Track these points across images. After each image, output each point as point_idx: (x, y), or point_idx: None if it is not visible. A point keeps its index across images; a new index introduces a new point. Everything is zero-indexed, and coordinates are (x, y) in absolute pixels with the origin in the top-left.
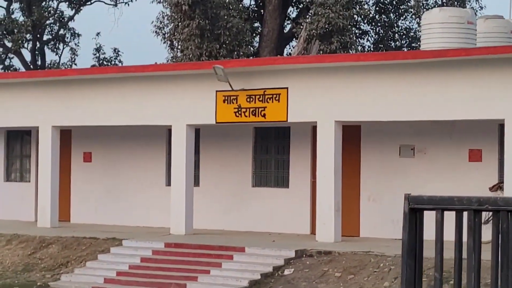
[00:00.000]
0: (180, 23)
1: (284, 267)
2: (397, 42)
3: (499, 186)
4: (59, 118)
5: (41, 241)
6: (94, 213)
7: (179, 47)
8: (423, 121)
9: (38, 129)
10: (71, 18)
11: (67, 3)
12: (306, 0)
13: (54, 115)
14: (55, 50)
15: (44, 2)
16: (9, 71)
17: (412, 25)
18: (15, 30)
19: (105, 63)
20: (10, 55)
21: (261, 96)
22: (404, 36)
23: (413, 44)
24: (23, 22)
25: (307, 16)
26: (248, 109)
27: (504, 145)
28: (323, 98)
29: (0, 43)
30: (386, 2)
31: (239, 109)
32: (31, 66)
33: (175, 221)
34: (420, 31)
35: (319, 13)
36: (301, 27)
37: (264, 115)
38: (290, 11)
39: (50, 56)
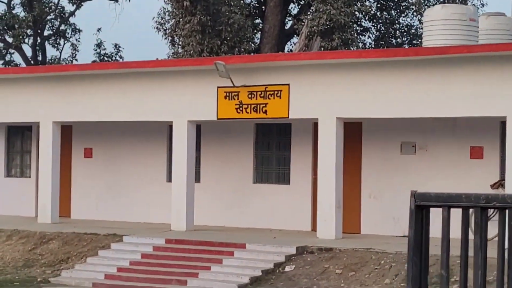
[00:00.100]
0: (181, 19)
1: (285, 263)
2: (398, 39)
3: (500, 184)
4: (60, 113)
5: (42, 237)
6: (94, 209)
7: (180, 43)
8: (425, 118)
9: (39, 124)
10: (72, 13)
11: None
12: None
13: (55, 111)
14: (56, 45)
15: None
16: (10, 67)
17: (413, 22)
18: (16, 26)
19: (106, 58)
20: (11, 51)
21: (263, 92)
22: (405, 33)
23: (414, 41)
24: (24, 18)
25: (309, 13)
26: (249, 106)
27: (505, 142)
28: (325, 94)
29: (1, 38)
30: None
31: (241, 105)
32: (32, 62)
33: (176, 217)
34: (422, 28)
35: (321, 9)
36: (302, 23)
37: (265, 112)
38: (291, 7)
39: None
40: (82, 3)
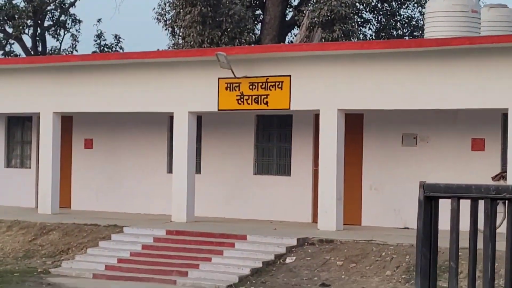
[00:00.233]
0: (182, 10)
1: (286, 255)
2: (399, 31)
3: (501, 176)
4: (60, 104)
5: (42, 228)
6: (95, 200)
7: (181, 34)
8: (426, 110)
9: (39, 115)
10: (72, 4)
11: None
12: None
13: (55, 101)
14: (56, 36)
15: None
16: (10, 57)
17: (414, 14)
18: (16, 16)
19: (106, 49)
20: (11, 41)
21: (264, 83)
22: (406, 25)
23: (415, 33)
24: (24, 8)
25: (309, 4)
26: (250, 97)
27: (507, 134)
28: (326, 86)
29: (1, 29)
30: None
31: (242, 96)
32: (32, 52)
33: (177, 209)
34: (422, 20)
35: (321, 1)
36: (303, 14)
37: (266, 103)
38: None
39: (51, 42)
40: None
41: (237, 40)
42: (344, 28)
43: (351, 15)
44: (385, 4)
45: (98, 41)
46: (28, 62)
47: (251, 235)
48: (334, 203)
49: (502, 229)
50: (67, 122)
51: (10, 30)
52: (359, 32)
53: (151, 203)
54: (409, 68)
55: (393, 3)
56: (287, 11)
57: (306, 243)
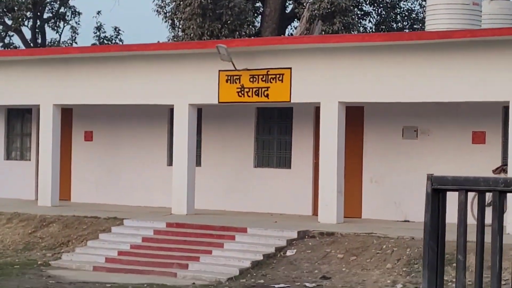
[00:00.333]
0: (182, 2)
1: (287, 248)
2: (399, 24)
3: (502, 169)
4: (60, 96)
5: (42, 220)
6: (94, 192)
7: (181, 26)
8: (427, 102)
9: (39, 107)
10: None
11: None
12: None
13: (55, 94)
14: (55, 28)
15: None
16: (9, 49)
17: (414, 7)
18: (16, 8)
19: (105, 42)
20: (10, 33)
21: (264, 76)
22: (406, 18)
23: (415, 26)
24: (23, 0)
25: None
26: (251, 89)
27: (508, 127)
28: (327, 78)
29: (1, 21)
30: None
31: (242, 89)
32: (31, 44)
33: (177, 201)
34: (422, 13)
35: None
36: (303, 7)
37: (267, 95)
38: None
39: (50, 34)
40: None
41: (237, 32)
42: (344, 21)
43: (351, 7)
44: None
45: (98, 33)
46: (28, 54)
47: (252, 228)
48: (335, 196)
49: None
50: (67, 114)
51: (9, 22)
52: (359, 25)
53: (151, 196)
54: (410, 60)
55: None
56: (287, 4)
57: (306, 236)
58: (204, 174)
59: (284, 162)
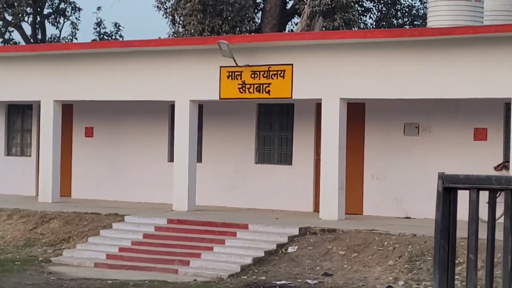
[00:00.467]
0: None
1: (288, 244)
2: (400, 20)
3: (504, 165)
4: (61, 92)
5: (43, 216)
6: (95, 188)
7: (181, 22)
8: (428, 99)
9: (40, 103)
10: None
11: None
12: None
13: (56, 89)
14: (55, 24)
15: None
16: (9, 45)
17: (415, 3)
18: (16, 4)
19: (105, 37)
20: (10, 29)
21: (266, 72)
22: (406, 14)
23: (415, 22)
24: None
25: None
26: (252, 85)
27: (510, 124)
28: (328, 75)
29: (1, 17)
30: None
31: (243, 85)
32: (31, 40)
33: (178, 198)
34: (423, 9)
35: None
36: (304, 3)
37: (268, 92)
38: None
39: (50, 30)
40: None
41: (238, 28)
42: (344, 17)
43: (352, 3)
44: None
45: (98, 29)
46: (28, 50)
47: (253, 224)
48: (336, 192)
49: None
50: (67, 110)
51: (9, 18)
52: (360, 21)
53: (152, 192)
54: (412, 57)
55: None
56: (287, 0)
57: (308, 233)
58: (205, 171)
59: (285, 158)
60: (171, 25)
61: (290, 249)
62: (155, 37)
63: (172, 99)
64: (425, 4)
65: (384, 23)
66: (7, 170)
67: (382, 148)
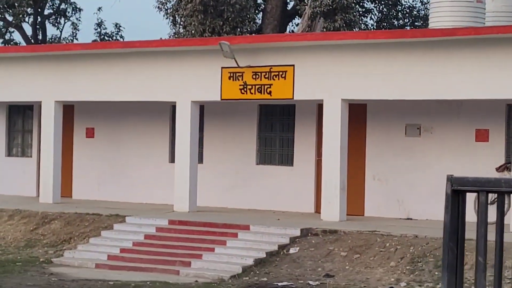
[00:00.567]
0: None
1: (290, 245)
2: (400, 21)
3: (506, 167)
4: (62, 93)
5: (44, 217)
6: (96, 189)
7: (182, 23)
8: (430, 100)
9: (40, 103)
10: None
11: None
12: None
13: (57, 90)
14: (56, 24)
15: None
16: (10, 45)
17: (415, 4)
18: (16, 4)
19: (106, 38)
20: (11, 29)
21: (267, 73)
22: (407, 15)
23: (416, 23)
24: None
25: None
26: (253, 86)
27: (511, 125)
28: (330, 76)
29: (1, 17)
30: None
31: (245, 86)
32: (32, 40)
33: (179, 198)
34: (424, 10)
35: None
36: (305, 4)
37: (270, 93)
38: None
39: (51, 31)
40: None
41: (239, 29)
42: (345, 18)
43: (353, 4)
44: None
45: (99, 29)
46: (30, 51)
47: (254, 226)
48: (338, 193)
49: (506, 220)
50: (68, 111)
51: (10, 18)
52: (361, 22)
53: (153, 193)
54: (414, 58)
55: None
56: (288, 1)
57: (309, 234)
58: (206, 171)
59: (287, 159)
60: (171, 26)
61: (291, 250)
62: (156, 37)
63: (173, 100)
64: (426, 5)
65: (385, 24)
66: (8, 170)
67: (383, 149)
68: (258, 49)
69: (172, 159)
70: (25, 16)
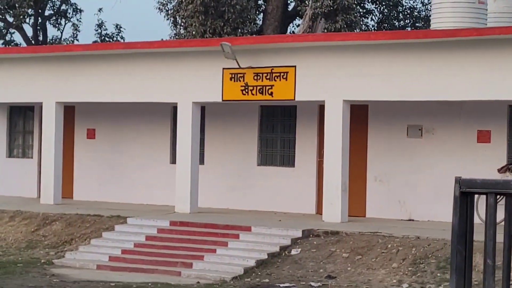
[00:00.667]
0: (184, 0)
1: (291, 247)
2: (401, 22)
3: (508, 168)
4: (63, 94)
5: (45, 218)
6: (97, 190)
7: (183, 24)
8: (432, 101)
9: (41, 105)
10: None
11: None
12: None
13: (58, 91)
14: (56, 25)
15: None
16: (10, 46)
17: (416, 5)
18: (17, 5)
19: (107, 39)
20: (11, 30)
21: (269, 74)
22: (408, 16)
23: (417, 24)
24: None
25: None
26: (255, 87)
27: None
28: (332, 77)
29: (2, 18)
30: None
31: (246, 87)
32: (33, 42)
33: (180, 199)
34: (424, 11)
35: None
36: (306, 5)
37: (271, 94)
38: None
39: (51, 32)
40: None
41: (239, 30)
42: (346, 19)
43: (354, 5)
44: None
45: (99, 30)
46: (30, 52)
47: (256, 227)
48: (339, 194)
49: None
50: (69, 112)
51: (10, 19)
52: (362, 23)
53: (154, 194)
54: (416, 59)
55: None
56: (289, 1)
57: (311, 235)
58: (207, 172)
59: (288, 160)
60: (172, 27)
61: (293, 252)
62: (156, 38)
63: (174, 101)
64: (426, 6)
65: (386, 25)
66: (8, 171)
67: (385, 150)
68: (259, 50)
69: (173, 160)
70: (25, 17)
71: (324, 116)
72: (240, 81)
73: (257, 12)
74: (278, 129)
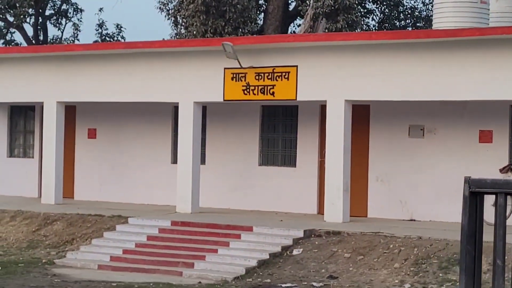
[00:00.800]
0: None
1: (293, 247)
2: (402, 22)
3: (509, 168)
4: (64, 93)
5: (46, 218)
6: (98, 190)
7: (184, 23)
8: (434, 101)
9: (42, 104)
10: None
11: None
12: None
13: (59, 91)
14: (57, 25)
15: None
16: (11, 46)
17: (417, 5)
18: (17, 5)
19: (107, 39)
20: (12, 30)
21: (270, 74)
22: (409, 16)
23: (418, 24)
24: None
25: None
26: (256, 87)
27: None
28: (333, 77)
29: (2, 18)
30: None
31: (248, 87)
32: (33, 41)
33: (181, 199)
34: (425, 11)
35: None
36: (307, 5)
37: (272, 93)
38: None
39: (52, 31)
40: None
41: (240, 30)
42: (347, 19)
43: (355, 5)
44: None
45: (100, 30)
46: (31, 51)
47: (258, 227)
48: (341, 194)
49: (510, 221)
50: (70, 111)
51: (11, 19)
52: (363, 23)
53: (155, 194)
54: (417, 59)
55: None
56: (290, 1)
57: (313, 235)
58: (209, 172)
59: (289, 160)
60: (173, 27)
61: (295, 252)
62: (157, 38)
63: (175, 101)
64: (427, 6)
65: (387, 24)
66: (9, 171)
67: (386, 150)
68: (261, 50)
69: (174, 160)
70: (26, 16)
71: (326, 116)
72: (241, 81)
73: (258, 12)
74: (280, 129)
